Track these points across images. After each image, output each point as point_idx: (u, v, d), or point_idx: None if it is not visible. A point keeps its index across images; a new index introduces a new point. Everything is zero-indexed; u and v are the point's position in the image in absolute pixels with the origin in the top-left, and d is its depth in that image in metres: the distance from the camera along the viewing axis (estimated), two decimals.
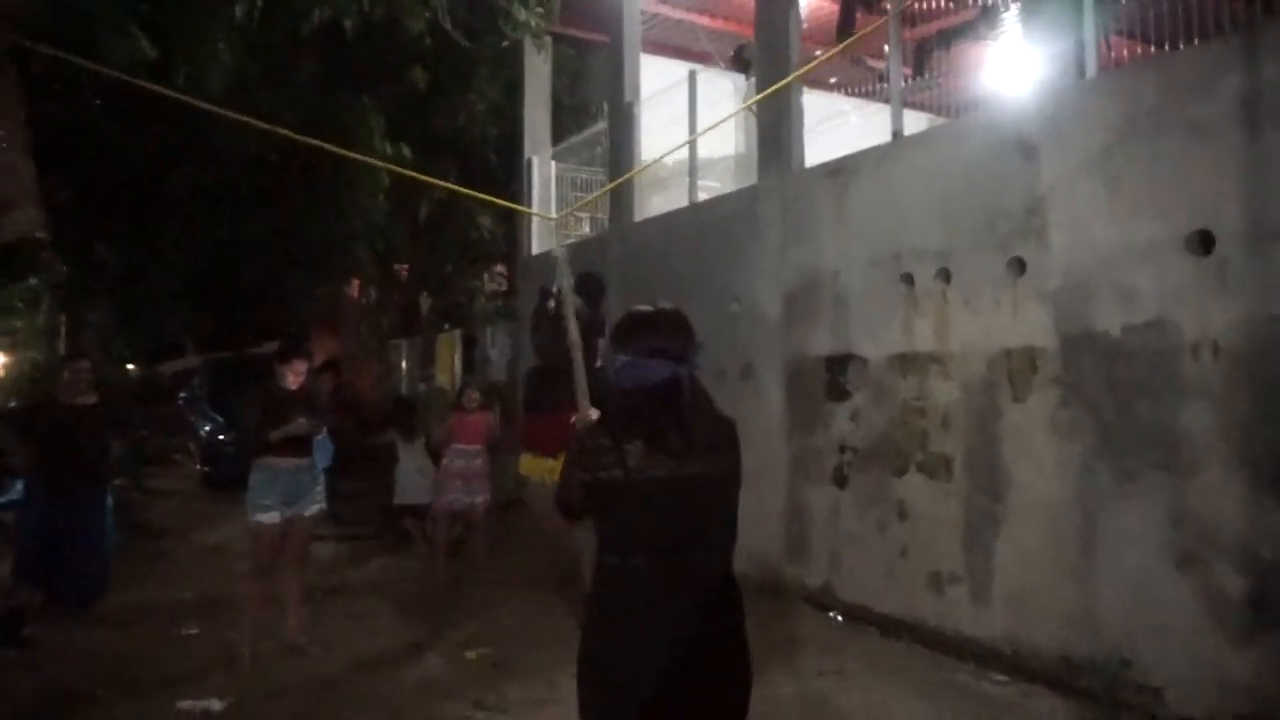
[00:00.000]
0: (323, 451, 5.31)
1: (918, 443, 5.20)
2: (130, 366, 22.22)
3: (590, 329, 4.02)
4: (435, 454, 7.55)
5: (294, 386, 5.13)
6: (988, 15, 8.57)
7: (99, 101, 9.72)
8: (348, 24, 5.59)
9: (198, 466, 13.14)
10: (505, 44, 7.04)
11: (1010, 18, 8.05)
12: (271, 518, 4.93)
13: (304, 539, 5.22)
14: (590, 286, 4.85)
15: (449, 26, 6.13)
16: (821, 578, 5.86)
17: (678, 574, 2.10)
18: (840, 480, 5.74)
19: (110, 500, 6.19)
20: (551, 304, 4.58)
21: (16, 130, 4.20)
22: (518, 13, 6.15)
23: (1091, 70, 4.71)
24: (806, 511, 6.01)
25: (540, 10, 6.32)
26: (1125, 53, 5.63)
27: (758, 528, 6.19)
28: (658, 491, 2.09)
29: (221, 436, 12.45)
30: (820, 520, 5.90)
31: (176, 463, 14.69)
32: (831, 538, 5.81)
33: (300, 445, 5.07)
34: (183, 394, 15.67)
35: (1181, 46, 4.68)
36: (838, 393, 5.79)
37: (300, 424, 4.97)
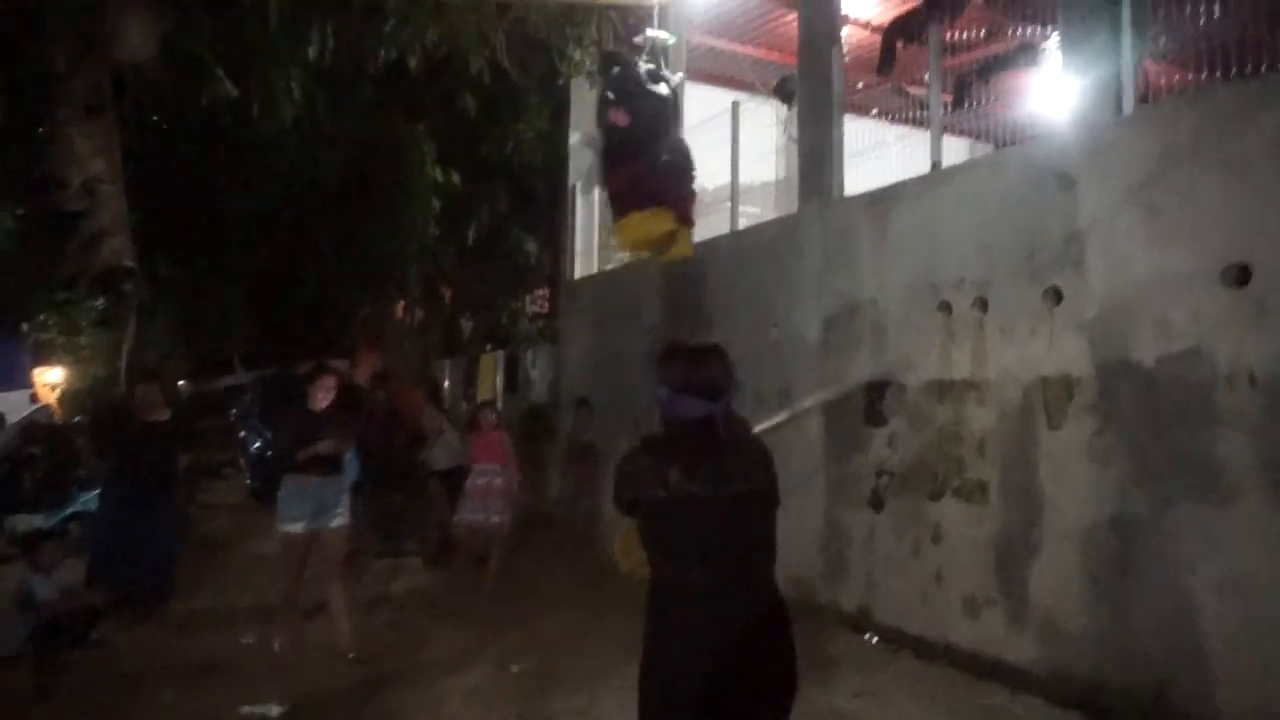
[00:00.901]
0: (349, 467, 5.58)
1: (954, 468, 5.27)
2: (181, 383, 22.86)
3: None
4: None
5: (323, 405, 5.39)
6: (1027, 47, 8.64)
7: (166, 127, 10.22)
8: (412, 62, 5.87)
9: (247, 481, 13.52)
10: (560, 83, 7.32)
11: (1049, 49, 8.11)
12: (296, 528, 5.22)
13: (334, 551, 5.45)
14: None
15: (507, 64, 6.40)
16: (857, 600, 5.93)
17: (723, 586, 2.25)
18: (877, 504, 5.82)
19: (174, 511, 6.51)
20: (661, 87, 5.00)
21: (114, 165, 4.48)
22: (573, 53, 6.40)
23: (1129, 102, 4.79)
24: (843, 534, 6.09)
25: (593, 50, 6.56)
26: (1163, 81, 5.70)
27: (795, 550, 6.27)
28: (699, 508, 2.26)
29: (270, 452, 12.79)
30: (857, 543, 5.97)
31: (225, 477, 15.11)
32: (868, 561, 5.88)
33: (327, 463, 5.33)
34: (235, 410, 16.14)
35: (1219, 74, 4.74)
36: (875, 418, 5.87)
37: (325, 445, 5.26)
